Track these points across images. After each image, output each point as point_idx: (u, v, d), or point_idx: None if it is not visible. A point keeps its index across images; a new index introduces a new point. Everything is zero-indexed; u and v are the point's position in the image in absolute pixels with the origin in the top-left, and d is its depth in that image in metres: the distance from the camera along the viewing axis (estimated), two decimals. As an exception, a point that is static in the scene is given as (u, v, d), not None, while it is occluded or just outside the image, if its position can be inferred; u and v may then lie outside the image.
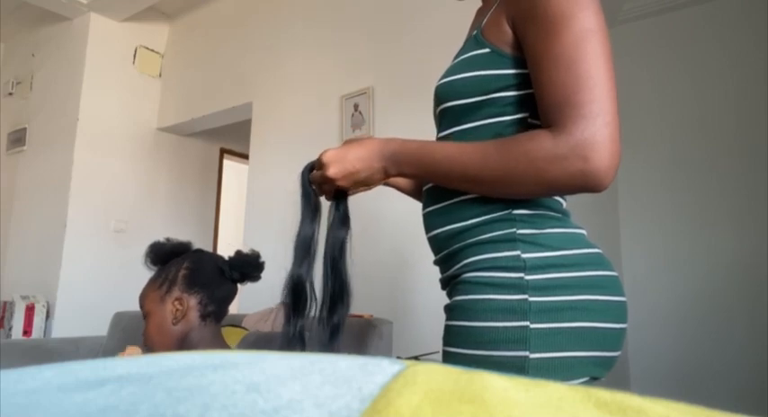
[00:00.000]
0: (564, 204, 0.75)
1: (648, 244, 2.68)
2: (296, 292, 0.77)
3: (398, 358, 0.32)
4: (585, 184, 0.60)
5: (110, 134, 3.27)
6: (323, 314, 0.78)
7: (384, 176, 0.76)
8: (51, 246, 3.06)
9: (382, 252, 2.22)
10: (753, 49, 2.51)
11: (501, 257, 0.68)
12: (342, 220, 0.81)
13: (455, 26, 2.30)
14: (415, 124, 2.22)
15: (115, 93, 3.32)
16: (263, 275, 1.28)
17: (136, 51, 3.44)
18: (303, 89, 2.72)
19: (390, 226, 2.17)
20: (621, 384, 2.48)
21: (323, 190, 0.80)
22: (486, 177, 0.66)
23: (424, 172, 0.72)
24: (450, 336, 0.72)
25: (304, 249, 0.78)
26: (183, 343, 1.15)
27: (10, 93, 3.69)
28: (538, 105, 0.66)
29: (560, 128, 0.61)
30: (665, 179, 2.60)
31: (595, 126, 0.59)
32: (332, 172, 0.75)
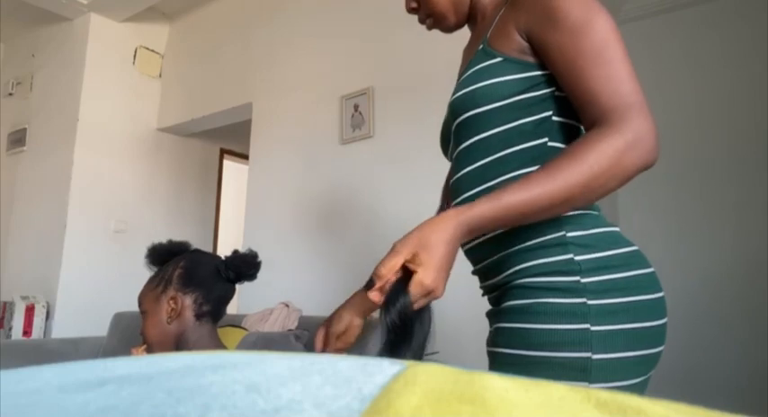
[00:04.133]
0: None
1: (648, 244, 2.67)
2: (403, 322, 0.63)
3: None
4: (649, 163, 0.64)
5: (110, 134, 3.27)
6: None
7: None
8: (51, 246, 3.06)
9: (383, 253, 2.22)
10: (753, 50, 2.51)
11: (554, 261, 0.70)
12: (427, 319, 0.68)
13: (455, 26, 2.29)
14: (415, 124, 2.22)
15: (115, 93, 3.32)
16: (262, 275, 1.28)
17: (136, 51, 3.44)
18: (303, 89, 2.71)
19: (391, 227, 2.17)
20: (621, 384, 2.46)
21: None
22: (576, 193, 0.63)
23: (507, 223, 0.66)
24: (504, 337, 0.73)
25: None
26: (179, 343, 1.15)
27: (10, 94, 3.69)
28: (579, 102, 0.69)
29: (616, 119, 0.64)
30: (665, 178, 2.60)
31: (643, 111, 0.65)
32: (432, 282, 0.64)
